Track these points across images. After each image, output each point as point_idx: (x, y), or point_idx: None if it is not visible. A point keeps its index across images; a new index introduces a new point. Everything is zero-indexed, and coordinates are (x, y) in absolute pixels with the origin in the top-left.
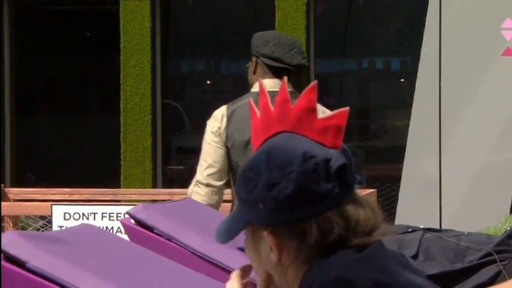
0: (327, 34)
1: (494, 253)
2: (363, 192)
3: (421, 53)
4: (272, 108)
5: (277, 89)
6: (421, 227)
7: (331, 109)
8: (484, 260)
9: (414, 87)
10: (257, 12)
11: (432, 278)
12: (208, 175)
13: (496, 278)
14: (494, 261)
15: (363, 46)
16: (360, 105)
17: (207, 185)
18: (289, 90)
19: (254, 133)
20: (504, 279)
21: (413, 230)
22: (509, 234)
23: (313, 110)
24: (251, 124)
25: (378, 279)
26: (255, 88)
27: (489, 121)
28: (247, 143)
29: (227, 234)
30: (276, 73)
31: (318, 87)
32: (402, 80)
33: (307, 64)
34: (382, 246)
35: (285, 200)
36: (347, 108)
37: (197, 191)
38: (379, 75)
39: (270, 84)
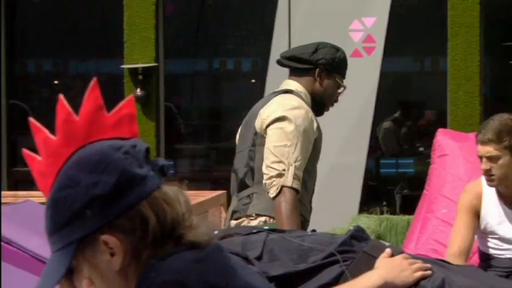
0: (177, 34)
1: (337, 253)
2: (213, 194)
3: (271, 54)
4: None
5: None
6: (266, 227)
7: (183, 111)
8: (327, 260)
9: (265, 87)
10: (106, 11)
11: (276, 278)
12: None
13: (338, 279)
14: (337, 262)
15: (213, 46)
16: (211, 106)
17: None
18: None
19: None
20: (346, 280)
21: (258, 231)
22: (352, 234)
23: (101, 108)
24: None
25: (214, 282)
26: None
27: (337, 123)
28: None
29: (53, 276)
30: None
31: (165, 87)
32: (253, 80)
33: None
34: (220, 249)
35: (112, 190)
36: (132, 96)
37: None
38: (229, 76)
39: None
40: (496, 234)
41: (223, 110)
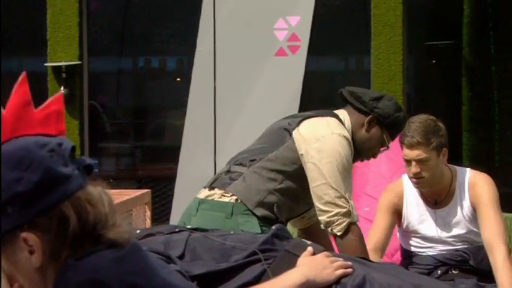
0: (101, 32)
1: (259, 252)
2: (138, 192)
3: (196, 53)
4: None
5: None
6: (188, 227)
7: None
8: (249, 259)
9: (190, 86)
10: (29, 8)
11: (198, 277)
12: None
13: (261, 277)
14: (259, 260)
15: (138, 44)
16: (136, 104)
17: None
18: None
19: None
20: (268, 278)
21: (181, 230)
22: (274, 233)
23: (29, 103)
24: None
25: (133, 281)
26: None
27: (263, 120)
28: None
29: None
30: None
31: (89, 86)
32: (178, 79)
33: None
34: (139, 248)
35: (34, 188)
36: (61, 92)
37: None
38: (155, 74)
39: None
40: (418, 233)
41: (149, 108)
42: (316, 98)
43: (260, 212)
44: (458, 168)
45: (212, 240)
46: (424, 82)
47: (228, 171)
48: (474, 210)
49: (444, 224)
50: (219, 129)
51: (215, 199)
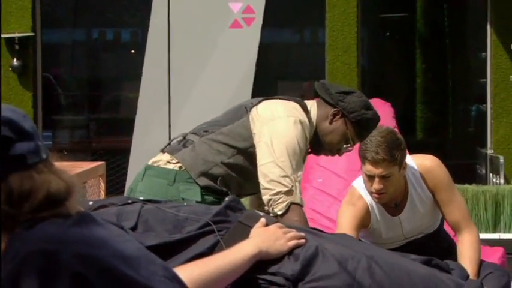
0: (55, 3)
1: (212, 223)
2: (92, 165)
3: (150, 25)
4: None
5: None
6: (141, 198)
7: (61, 81)
8: (202, 230)
9: (144, 58)
10: None
11: (151, 249)
12: None
13: (214, 248)
14: (212, 232)
15: (92, 16)
16: (90, 77)
17: None
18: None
19: None
20: (222, 249)
21: (133, 202)
22: (228, 204)
23: None
24: None
25: (81, 251)
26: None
27: (217, 93)
28: None
29: None
30: None
31: (43, 58)
32: (133, 51)
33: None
34: (88, 217)
35: None
36: None
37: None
38: (109, 46)
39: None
40: (383, 238)
41: (103, 80)
42: (271, 70)
43: (203, 181)
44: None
45: (165, 212)
46: (379, 54)
47: (184, 139)
48: (433, 195)
49: (409, 225)
50: (173, 102)
51: (160, 165)
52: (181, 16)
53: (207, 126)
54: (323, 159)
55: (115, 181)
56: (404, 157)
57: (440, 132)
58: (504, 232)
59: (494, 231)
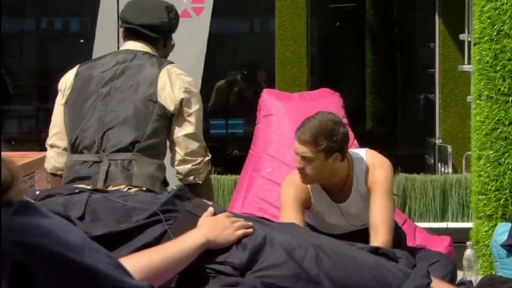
0: None
1: (160, 213)
2: (40, 155)
3: (99, 14)
4: None
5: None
6: (89, 188)
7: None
8: (150, 219)
9: (93, 48)
10: None
11: (98, 238)
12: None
13: (161, 238)
14: (160, 221)
15: (41, 5)
16: (39, 66)
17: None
18: (152, 53)
19: None
20: (170, 239)
21: (80, 191)
22: (176, 194)
23: None
24: None
25: (23, 239)
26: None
27: None
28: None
29: None
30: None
31: None
32: (82, 41)
33: (160, 23)
34: (29, 206)
35: None
36: None
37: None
38: (58, 36)
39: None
40: (327, 221)
41: (52, 70)
42: (221, 60)
43: (166, 185)
44: (355, 155)
45: (113, 201)
46: (328, 44)
47: (112, 162)
48: (368, 192)
49: (350, 215)
50: None
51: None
52: None
53: (127, 137)
54: (272, 149)
55: None
56: (334, 149)
57: (389, 122)
58: (451, 221)
59: (442, 220)
